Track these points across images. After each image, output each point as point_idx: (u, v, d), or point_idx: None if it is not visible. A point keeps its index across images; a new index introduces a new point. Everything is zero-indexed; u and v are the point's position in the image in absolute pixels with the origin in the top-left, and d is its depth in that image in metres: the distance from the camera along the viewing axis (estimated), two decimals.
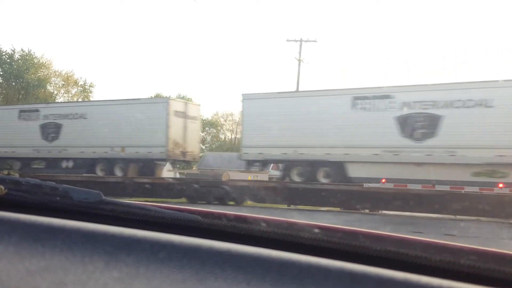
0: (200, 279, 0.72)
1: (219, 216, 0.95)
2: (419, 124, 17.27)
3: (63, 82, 44.79)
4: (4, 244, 0.81)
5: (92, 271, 0.74)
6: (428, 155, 16.95)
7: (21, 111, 24.58)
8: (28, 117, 24.09)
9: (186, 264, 0.75)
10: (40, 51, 68.13)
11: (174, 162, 23.61)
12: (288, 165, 19.93)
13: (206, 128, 52.99)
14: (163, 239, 0.82)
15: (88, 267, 0.75)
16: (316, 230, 0.87)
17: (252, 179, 22.24)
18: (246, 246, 0.80)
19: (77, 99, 42.98)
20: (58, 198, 1.00)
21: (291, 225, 0.92)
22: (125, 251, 0.79)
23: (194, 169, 29.75)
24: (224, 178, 20.44)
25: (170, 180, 21.52)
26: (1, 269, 0.75)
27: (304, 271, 0.73)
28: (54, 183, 1.08)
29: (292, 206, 19.14)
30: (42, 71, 42.89)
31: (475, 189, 16.06)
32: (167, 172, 23.88)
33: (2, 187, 0.99)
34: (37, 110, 24.29)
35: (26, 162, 24.31)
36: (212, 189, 19.16)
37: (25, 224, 0.87)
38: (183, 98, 42.49)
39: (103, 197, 1.00)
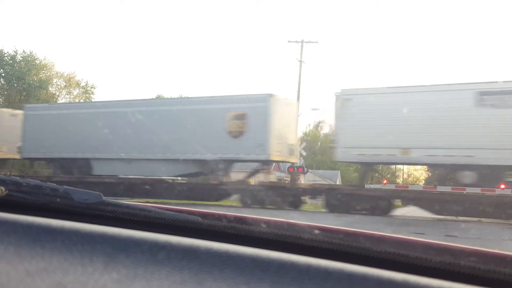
0: (199, 280, 0.72)
1: (219, 217, 0.95)
2: None
3: (65, 83, 44.87)
4: (4, 245, 0.81)
5: (91, 272, 0.74)
6: None
7: (484, 93, 15.04)
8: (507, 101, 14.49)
9: (185, 265, 0.75)
10: (43, 53, 68.35)
11: None
12: None
13: None
14: (162, 240, 0.82)
15: (87, 268, 0.75)
16: (317, 231, 0.87)
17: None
18: (245, 247, 0.80)
19: (79, 100, 43.00)
20: (58, 199, 1.00)
21: (291, 226, 0.92)
22: (124, 253, 0.79)
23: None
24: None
25: None
26: (1, 270, 0.75)
27: (303, 272, 0.73)
28: (54, 184, 1.08)
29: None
30: (44, 73, 42.95)
31: (477, 190, 16.01)
32: None
33: (3, 188, 0.99)
34: None
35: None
36: None
37: (25, 225, 0.87)
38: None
39: (104, 198, 1.00)
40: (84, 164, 20.97)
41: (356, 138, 16.68)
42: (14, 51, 41.18)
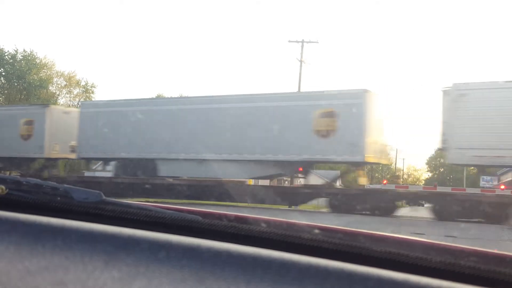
0: (199, 279, 0.72)
1: (220, 216, 0.95)
2: None
3: (65, 83, 44.94)
4: (4, 244, 0.81)
5: (92, 270, 0.74)
6: None
7: None
8: None
9: (186, 264, 0.75)
10: (43, 52, 68.49)
11: None
12: None
13: None
14: (162, 239, 0.82)
15: (87, 267, 0.75)
16: (317, 231, 0.87)
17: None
18: (246, 247, 0.80)
19: (79, 99, 43.05)
20: (58, 198, 1.00)
21: (291, 225, 0.92)
22: (124, 251, 0.79)
23: None
24: None
25: None
26: (1, 268, 0.75)
27: (303, 272, 0.73)
28: (55, 183, 1.08)
29: (293, 207, 18.82)
30: (44, 72, 43.00)
31: (477, 190, 16.00)
32: None
33: (3, 187, 0.99)
34: None
35: None
36: None
37: (25, 223, 0.87)
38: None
39: (104, 197, 1.00)
40: (149, 164, 19.56)
41: (473, 138, 14.85)
42: (15, 50, 41.29)
